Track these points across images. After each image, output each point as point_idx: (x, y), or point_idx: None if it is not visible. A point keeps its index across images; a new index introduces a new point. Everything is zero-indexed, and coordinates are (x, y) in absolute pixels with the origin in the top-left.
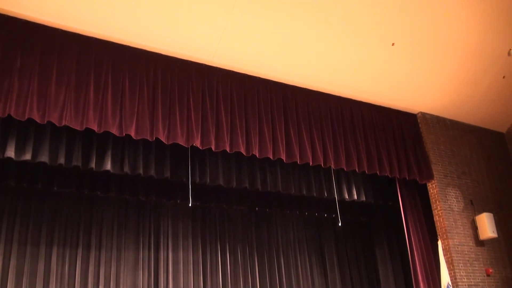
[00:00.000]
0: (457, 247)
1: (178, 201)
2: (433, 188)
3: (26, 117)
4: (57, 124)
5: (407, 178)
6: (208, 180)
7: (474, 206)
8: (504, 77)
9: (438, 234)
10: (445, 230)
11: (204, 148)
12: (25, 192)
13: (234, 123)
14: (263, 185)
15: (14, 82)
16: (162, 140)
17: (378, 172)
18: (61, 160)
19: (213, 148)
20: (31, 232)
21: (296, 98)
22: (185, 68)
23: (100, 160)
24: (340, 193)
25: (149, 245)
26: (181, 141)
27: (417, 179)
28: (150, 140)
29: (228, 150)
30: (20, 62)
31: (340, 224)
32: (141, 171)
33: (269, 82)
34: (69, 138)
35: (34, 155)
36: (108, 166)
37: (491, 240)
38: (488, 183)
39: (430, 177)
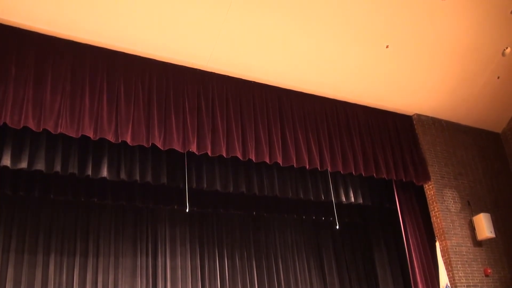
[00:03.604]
0: (455, 248)
1: (175, 207)
2: (430, 190)
3: (22, 125)
4: (52, 132)
5: (403, 180)
6: (205, 185)
7: (471, 207)
8: (498, 77)
9: (435, 235)
10: (443, 231)
11: (200, 153)
12: (21, 201)
13: (230, 128)
14: (260, 190)
15: (9, 90)
16: (158, 146)
17: (374, 175)
18: (57, 168)
19: (209, 153)
20: (28, 240)
21: (291, 102)
22: (180, 73)
23: (97, 167)
24: (337, 196)
25: (147, 252)
26: (177, 147)
27: (414, 181)
28: (146, 146)
29: (224, 155)
30: (15, 70)
31: (337, 227)
32: (137, 178)
33: (264, 86)
34: (65, 146)
35: (30, 163)
36: (105, 173)
37: (489, 241)
38: (485, 184)
39: (427, 178)
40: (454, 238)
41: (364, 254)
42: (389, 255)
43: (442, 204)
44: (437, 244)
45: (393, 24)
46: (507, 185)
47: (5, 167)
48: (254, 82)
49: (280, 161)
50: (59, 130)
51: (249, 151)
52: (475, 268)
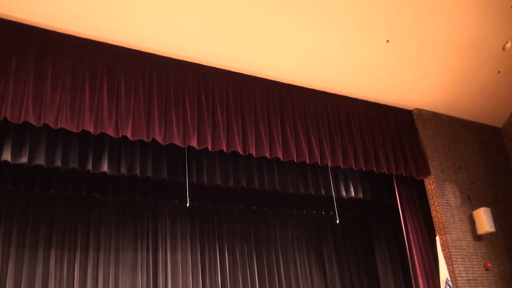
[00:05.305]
0: (455, 242)
1: (176, 201)
2: (430, 184)
3: (22, 120)
4: (53, 127)
5: (404, 174)
6: (206, 180)
7: (472, 201)
8: (499, 72)
9: (436, 229)
10: (443, 225)
11: (200, 148)
12: (22, 195)
13: (230, 123)
14: (260, 184)
15: (9, 85)
16: (158, 140)
17: (375, 169)
18: (58, 163)
19: (209, 148)
20: (29, 235)
21: (292, 97)
22: (181, 68)
23: (97, 162)
24: (338, 190)
25: (147, 246)
26: (178, 142)
27: (414, 175)
28: (146, 141)
29: (224, 149)
30: (15, 65)
31: (338, 222)
32: (138, 172)
33: (265, 81)
34: (65, 141)
35: (31, 158)
36: (105, 167)
37: (489, 235)
38: (485, 178)
39: (427, 173)
40: (454, 232)
41: (364, 248)
42: (390, 250)
43: (442, 198)
44: (437, 238)
45: (394, 19)
46: (507, 180)
47: (6, 162)
48: (254, 77)
49: (280, 155)
50: (59, 125)
51: (250, 146)
52: (475, 262)
